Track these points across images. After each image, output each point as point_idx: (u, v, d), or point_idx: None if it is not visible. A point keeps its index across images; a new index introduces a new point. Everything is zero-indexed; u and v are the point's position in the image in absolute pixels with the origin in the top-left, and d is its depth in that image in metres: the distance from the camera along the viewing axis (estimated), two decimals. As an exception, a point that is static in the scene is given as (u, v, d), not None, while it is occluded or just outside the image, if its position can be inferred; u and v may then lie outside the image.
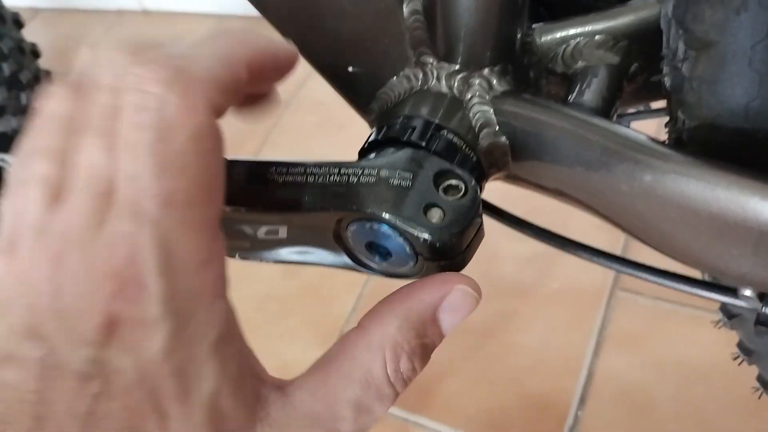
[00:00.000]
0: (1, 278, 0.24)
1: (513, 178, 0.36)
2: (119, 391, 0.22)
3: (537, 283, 0.83)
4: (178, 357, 0.23)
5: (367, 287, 0.89)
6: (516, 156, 0.34)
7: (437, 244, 0.30)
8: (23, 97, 0.68)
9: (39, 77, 0.71)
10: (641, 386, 0.74)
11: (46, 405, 0.22)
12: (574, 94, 0.35)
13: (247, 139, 1.09)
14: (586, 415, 0.73)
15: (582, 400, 0.74)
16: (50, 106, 0.25)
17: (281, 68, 0.28)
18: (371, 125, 0.37)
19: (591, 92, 0.35)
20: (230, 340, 0.24)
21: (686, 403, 0.72)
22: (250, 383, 0.25)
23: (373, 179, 0.32)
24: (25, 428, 0.22)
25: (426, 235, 0.30)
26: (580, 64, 0.36)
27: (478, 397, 0.77)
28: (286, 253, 0.36)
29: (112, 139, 0.23)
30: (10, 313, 0.23)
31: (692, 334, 0.77)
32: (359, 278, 0.90)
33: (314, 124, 1.07)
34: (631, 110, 0.42)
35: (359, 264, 0.34)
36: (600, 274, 0.83)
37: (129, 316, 0.22)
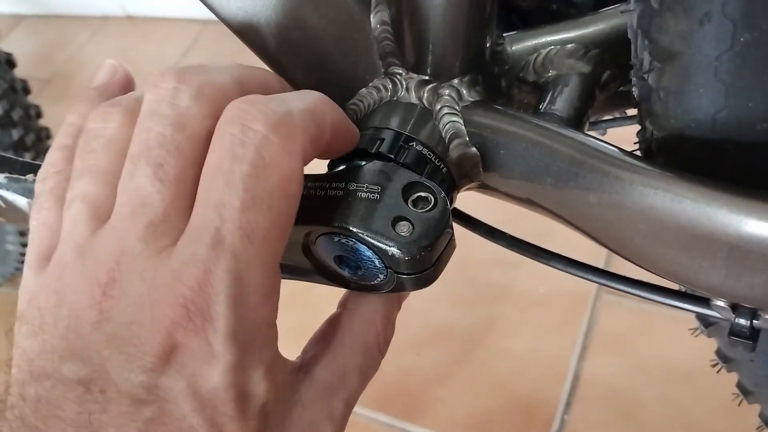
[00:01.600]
0: (36, 294, 0.24)
1: (485, 188, 0.35)
2: (174, 417, 0.22)
3: (523, 288, 0.83)
4: (238, 384, 0.23)
5: (353, 293, 0.88)
6: (487, 166, 0.34)
7: (407, 258, 0.30)
8: (-3, 107, 0.67)
9: (15, 87, 0.70)
10: (627, 389, 0.74)
11: (94, 427, 0.22)
12: (545, 102, 0.35)
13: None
14: (572, 418, 0.73)
15: (568, 404, 0.74)
16: (105, 127, 0.25)
17: (347, 141, 0.30)
18: (342, 136, 0.37)
19: (562, 101, 0.35)
20: (278, 356, 0.26)
21: (672, 404, 0.72)
22: (287, 380, 0.27)
23: (341, 192, 0.31)
24: None
25: (395, 250, 0.30)
26: (552, 72, 0.36)
27: (465, 402, 0.77)
28: None
29: (165, 170, 0.24)
30: (46, 331, 0.23)
31: (677, 337, 0.76)
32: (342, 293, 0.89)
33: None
34: (607, 117, 0.41)
35: (329, 277, 0.34)
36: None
37: (191, 345, 0.22)
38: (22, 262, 0.90)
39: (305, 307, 0.87)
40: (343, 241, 0.31)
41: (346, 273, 0.33)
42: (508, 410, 0.75)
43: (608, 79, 0.36)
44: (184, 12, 1.33)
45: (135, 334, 0.22)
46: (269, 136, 0.24)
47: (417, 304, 0.93)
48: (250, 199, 0.23)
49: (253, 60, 0.40)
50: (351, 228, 0.30)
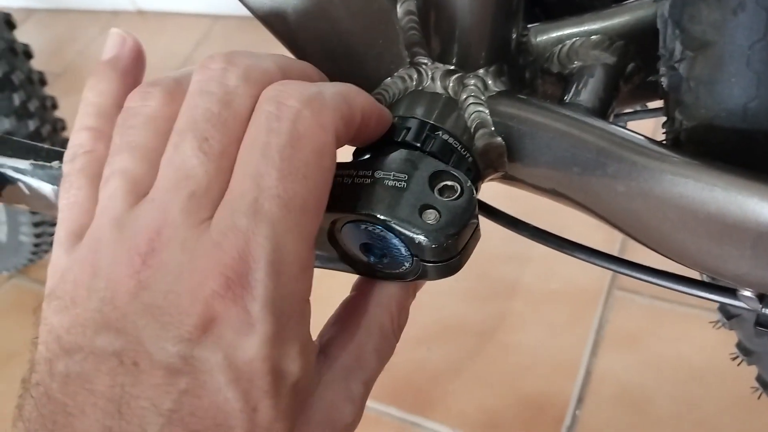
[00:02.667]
0: (68, 269, 0.24)
1: (509, 179, 0.35)
2: (209, 390, 0.22)
3: (535, 284, 0.83)
4: (274, 357, 0.23)
5: (364, 288, 0.88)
6: (512, 156, 0.34)
7: (433, 246, 0.30)
8: (15, 98, 0.67)
9: (32, 78, 0.70)
10: (639, 385, 0.74)
11: (125, 399, 0.22)
12: (570, 94, 0.35)
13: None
14: (584, 414, 0.73)
15: (580, 400, 0.74)
16: (145, 105, 0.26)
17: (380, 126, 0.31)
18: (366, 126, 0.37)
19: (587, 92, 0.35)
20: (310, 335, 0.26)
21: (684, 402, 0.72)
22: (314, 360, 0.27)
23: (368, 180, 0.31)
24: (98, 422, 0.21)
25: (422, 237, 0.30)
26: (576, 64, 0.36)
27: (477, 397, 0.77)
28: None
29: (210, 144, 0.24)
30: (78, 304, 0.23)
31: (690, 333, 0.77)
32: (353, 278, 0.89)
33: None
34: (629, 110, 0.41)
35: (354, 265, 0.34)
36: (597, 273, 0.83)
37: (229, 315, 0.22)
38: (35, 253, 0.90)
39: (314, 300, 0.87)
40: (370, 228, 0.31)
41: (372, 261, 0.33)
42: (519, 405, 0.75)
43: (633, 70, 0.36)
44: (195, 7, 1.34)
45: (173, 303, 0.22)
46: (303, 110, 0.25)
47: (428, 298, 0.92)
48: (286, 168, 0.24)
49: (280, 47, 0.39)
50: (378, 215, 0.30)
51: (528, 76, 0.37)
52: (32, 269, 0.99)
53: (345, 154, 0.35)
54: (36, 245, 0.87)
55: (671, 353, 0.76)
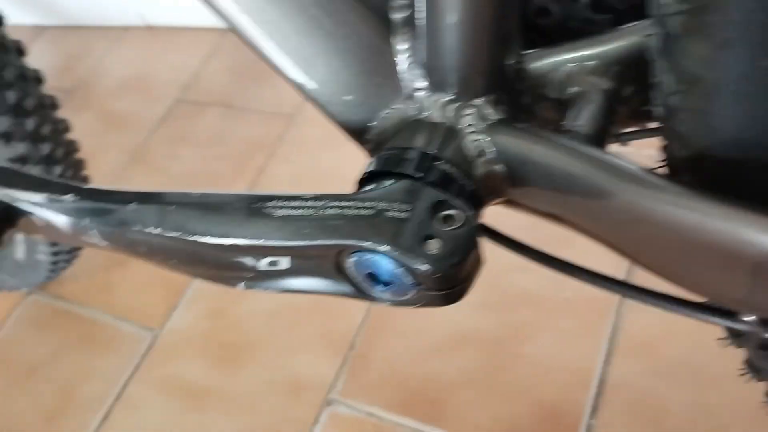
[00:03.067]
0: None
1: (512, 204, 0.36)
2: None
3: (547, 293, 0.83)
4: None
5: (377, 299, 0.89)
6: (513, 183, 0.34)
7: (437, 275, 0.31)
8: (29, 123, 0.69)
9: (43, 103, 0.72)
10: (654, 394, 0.74)
11: None
12: (568, 119, 0.35)
13: (254, 152, 1.09)
14: (599, 424, 0.73)
15: (594, 409, 0.74)
16: None
17: None
18: (369, 154, 0.37)
19: (584, 118, 0.35)
20: None
21: (700, 409, 0.72)
22: None
23: (371, 212, 0.32)
24: None
25: (425, 267, 0.30)
26: (573, 89, 0.36)
27: (490, 407, 0.77)
28: (290, 282, 0.36)
29: None
30: None
31: (705, 340, 0.76)
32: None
33: (321, 137, 1.07)
34: (630, 129, 0.42)
35: (361, 293, 0.35)
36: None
37: None
38: (53, 270, 0.92)
39: (329, 314, 0.88)
40: (375, 259, 0.32)
41: (379, 289, 0.33)
42: (533, 415, 0.75)
43: (629, 95, 0.37)
44: (204, 21, 1.35)
45: None
46: None
47: (440, 309, 0.92)
48: None
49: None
50: (382, 246, 0.31)
51: (526, 102, 0.37)
52: (51, 285, 1.01)
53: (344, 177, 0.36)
54: (53, 263, 0.89)
55: (686, 360, 0.75)
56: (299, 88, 0.38)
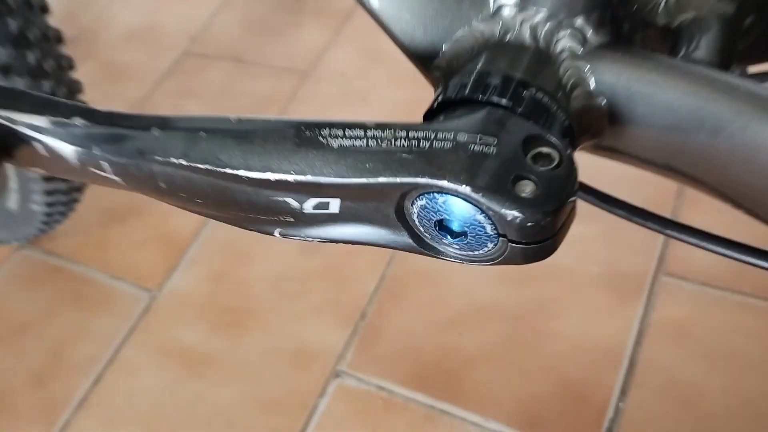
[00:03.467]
0: None
1: (603, 149, 0.30)
2: None
3: (575, 267, 0.78)
4: None
5: (391, 267, 0.84)
6: (615, 122, 0.29)
7: (528, 224, 0.25)
8: (30, 56, 0.62)
9: (48, 35, 0.65)
10: (688, 378, 0.70)
11: None
12: (683, 50, 0.30)
13: (264, 109, 1.04)
14: (628, 407, 0.69)
15: (623, 392, 0.70)
16: None
17: None
18: (435, 84, 0.32)
19: (704, 48, 0.30)
20: None
21: (736, 396, 0.68)
22: None
23: (449, 144, 0.27)
24: None
25: (515, 213, 0.25)
26: (687, 15, 0.31)
27: (511, 386, 0.73)
28: (336, 230, 0.31)
29: None
30: None
31: (745, 323, 0.72)
32: (382, 257, 0.85)
33: (335, 96, 1.02)
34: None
35: (424, 246, 0.29)
36: (642, 257, 0.78)
37: None
38: (47, 223, 0.86)
39: (340, 281, 0.84)
40: (450, 202, 0.26)
41: (447, 241, 0.28)
42: (558, 396, 0.71)
43: (751, 24, 0.31)
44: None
45: None
46: None
47: (459, 279, 0.88)
48: None
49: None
50: (462, 186, 0.26)
51: (626, 29, 0.31)
52: (43, 240, 0.95)
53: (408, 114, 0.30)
54: (48, 215, 0.83)
55: (724, 344, 0.71)
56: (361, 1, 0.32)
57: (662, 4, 0.31)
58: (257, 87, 1.07)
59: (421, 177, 0.26)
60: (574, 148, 0.30)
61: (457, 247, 0.28)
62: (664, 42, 0.31)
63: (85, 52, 1.19)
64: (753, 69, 0.36)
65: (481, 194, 0.25)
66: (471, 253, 0.28)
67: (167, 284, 0.88)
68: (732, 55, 0.30)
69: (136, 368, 0.81)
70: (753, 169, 0.25)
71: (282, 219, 0.31)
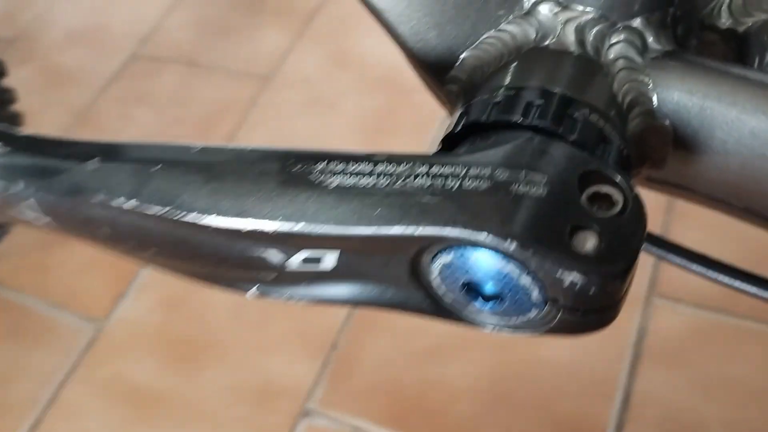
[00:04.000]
0: None
1: (664, 183, 0.25)
2: None
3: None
4: None
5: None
6: (681, 150, 0.23)
7: (592, 289, 0.20)
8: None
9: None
10: (687, 408, 0.66)
11: None
12: (756, 61, 0.24)
13: (221, 117, 0.97)
14: (625, 442, 0.64)
15: (619, 426, 0.65)
16: None
17: None
18: (450, 101, 0.26)
19: None
20: None
21: (738, 426, 0.64)
22: None
23: (484, 183, 0.21)
24: None
25: (576, 276, 0.19)
26: (759, 17, 0.25)
27: (498, 421, 0.67)
28: (329, 289, 0.25)
29: None
30: None
31: (743, 349, 0.68)
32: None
33: (298, 103, 0.95)
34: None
35: (442, 310, 0.23)
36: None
37: None
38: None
39: (307, 307, 0.78)
40: (483, 259, 0.20)
41: (476, 306, 0.22)
42: (547, 430, 0.66)
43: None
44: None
45: None
46: None
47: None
48: None
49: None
50: (507, 241, 0.20)
51: (680, 33, 0.26)
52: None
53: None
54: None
55: (723, 372, 0.67)
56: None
57: (725, 3, 0.25)
58: (213, 93, 1.01)
59: (451, 227, 0.20)
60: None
61: (493, 314, 0.22)
62: (724, 50, 0.26)
63: (23, 56, 1.11)
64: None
65: (531, 251, 0.20)
66: (507, 320, 0.22)
67: (114, 314, 0.81)
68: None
69: (79, 410, 0.74)
70: None
71: (260, 276, 0.24)
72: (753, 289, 0.29)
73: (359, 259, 0.23)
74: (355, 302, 0.25)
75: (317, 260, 0.23)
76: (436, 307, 0.23)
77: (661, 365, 0.68)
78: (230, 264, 0.24)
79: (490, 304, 0.22)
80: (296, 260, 0.23)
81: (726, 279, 0.28)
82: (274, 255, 0.23)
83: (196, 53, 1.07)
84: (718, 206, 0.24)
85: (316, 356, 0.74)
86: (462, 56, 0.25)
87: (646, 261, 0.75)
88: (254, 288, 0.25)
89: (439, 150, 0.24)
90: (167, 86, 1.04)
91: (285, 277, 0.24)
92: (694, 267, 0.29)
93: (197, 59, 1.06)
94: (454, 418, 0.68)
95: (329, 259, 0.23)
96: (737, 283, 0.28)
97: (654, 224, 0.77)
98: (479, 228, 0.20)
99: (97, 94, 1.04)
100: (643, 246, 0.21)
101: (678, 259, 0.28)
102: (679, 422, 0.65)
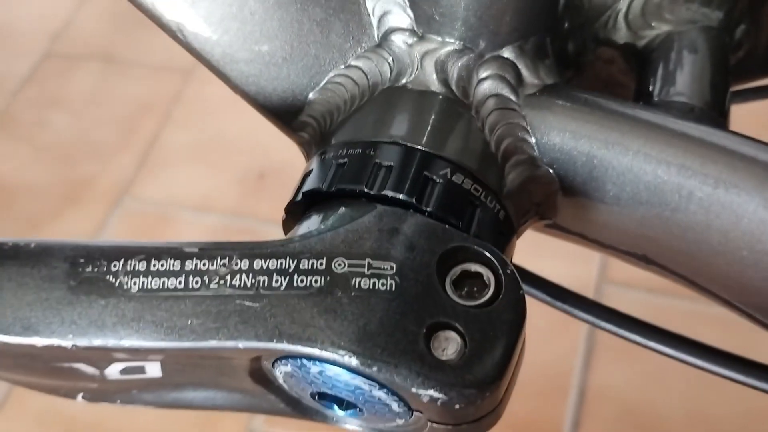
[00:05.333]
0: None
1: (558, 228, 0.21)
2: None
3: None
4: None
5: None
6: (570, 197, 0.19)
7: (457, 405, 0.16)
8: None
9: None
10: (644, 401, 0.63)
11: None
12: (658, 84, 0.20)
13: (142, 116, 0.91)
14: (582, 439, 0.62)
15: (576, 424, 0.63)
16: None
17: None
18: (306, 152, 0.21)
19: (688, 79, 0.20)
20: None
21: (698, 415, 0.62)
22: None
23: (318, 281, 0.17)
24: None
25: (433, 393, 0.16)
26: (660, 28, 0.21)
27: (450, 426, 0.64)
28: (168, 396, 0.21)
29: None
30: None
31: (695, 332, 0.65)
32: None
33: (224, 98, 0.89)
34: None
35: (305, 411, 0.20)
36: (582, 265, 0.70)
37: None
38: None
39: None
40: (325, 371, 0.17)
41: (335, 413, 0.18)
42: (503, 434, 0.63)
43: (742, 36, 0.22)
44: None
45: None
46: None
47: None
48: None
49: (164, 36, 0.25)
50: (345, 356, 0.16)
51: (571, 50, 0.22)
52: None
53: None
54: None
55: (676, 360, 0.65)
56: (175, 34, 0.21)
57: (622, 15, 0.21)
58: (133, 90, 0.95)
59: (276, 342, 0.16)
60: (514, 238, 0.20)
61: (352, 419, 0.19)
62: (628, 68, 0.22)
63: None
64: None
65: (375, 368, 0.16)
66: (374, 426, 0.19)
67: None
68: (727, 83, 0.21)
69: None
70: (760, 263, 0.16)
71: (79, 386, 0.20)
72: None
73: (186, 368, 0.19)
74: (206, 408, 0.21)
75: (140, 369, 0.19)
76: (298, 409, 0.20)
77: (616, 356, 0.66)
78: (41, 375, 0.20)
79: (349, 411, 0.18)
80: (113, 371, 0.19)
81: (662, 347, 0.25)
82: (85, 367, 0.19)
83: (112, 48, 1.01)
84: (621, 255, 0.20)
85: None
86: (309, 98, 0.20)
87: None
88: (79, 396, 0.21)
89: (284, 218, 0.20)
90: (84, 86, 0.98)
91: (109, 386, 0.20)
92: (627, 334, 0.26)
93: (114, 55, 1.00)
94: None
95: (153, 369, 0.19)
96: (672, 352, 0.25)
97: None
98: (310, 342, 0.16)
99: (10, 99, 0.97)
100: (523, 333, 0.18)
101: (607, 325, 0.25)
102: (639, 416, 0.63)
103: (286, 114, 0.21)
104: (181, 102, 0.92)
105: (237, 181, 0.83)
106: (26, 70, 1.00)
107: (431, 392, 0.16)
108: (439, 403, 0.16)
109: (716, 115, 0.19)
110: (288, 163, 0.20)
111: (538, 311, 0.71)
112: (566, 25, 0.21)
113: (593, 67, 0.22)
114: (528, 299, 0.18)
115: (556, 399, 0.64)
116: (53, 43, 1.03)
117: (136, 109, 0.93)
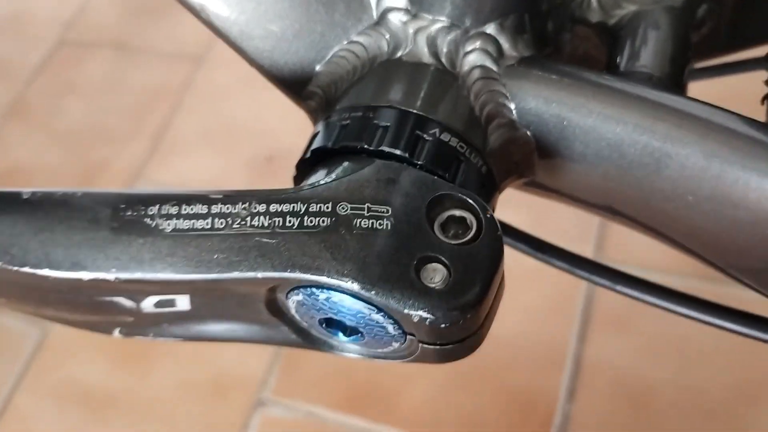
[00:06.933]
0: None
1: (535, 186, 0.24)
2: None
3: (509, 263, 0.73)
4: None
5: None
6: (545, 156, 0.22)
7: (443, 324, 0.19)
8: None
9: None
10: (637, 373, 0.65)
11: None
12: (625, 55, 0.23)
13: (154, 103, 0.94)
14: (577, 410, 0.64)
15: (570, 394, 0.65)
16: None
17: None
18: (313, 118, 0.24)
19: (650, 52, 0.23)
20: None
21: (689, 388, 0.64)
22: None
23: (325, 221, 0.20)
24: None
25: (422, 313, 0.19)
26: (628, 8, 0.24)
27: (451, 398, 0.67)
28: (193, 328, 0.24)
29: None
30: None
31: (687, 308, 0.68)
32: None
33: (234, 84, 0.92)
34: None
35: (312, 341, 0.23)
36: (579, 244, 0.73)
37: None
38: None
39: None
40: (332, 299, 0.20)
41: (339, 340, 0.21)
42: (501, 404, 0.66)
43: (705, 14, 0.24)
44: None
45: None
46: None
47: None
48: None
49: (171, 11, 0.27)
50: (348, 282, 0.19)
51: (550, 29, 0.24)
52: None
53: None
54: None
55: (668, 334, 0.67)
56: (198, 13, 0.24)
57: (596, -5, 0.24)
58: (145, 77, 0.97)
59: (290, 271, 0.19)
60: (496, 193, 0.23)
61: (355, 345, 0.22)
62: (600, 43, 0.24)
63: None
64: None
65: (373, 292, 0.18)
66: (373, 351, 0.22)
67: (60, 316, 0.79)
68: (686, 58, 0.23)
69: (31, 416, 0.72)
70: (704, 211, 0.19)
71: (118, 320, 0.23)
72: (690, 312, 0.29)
73: (212, 300, 0.21)
74: (226, 339, 0.24)
75: (171, 303, 0.22)
76: (307, 339, 0.23)
77: (610, 331, 0.68)
78: (84, 310, 0.23)
79: (352, 337, 0.21)
80: (148, 304, 0.22)
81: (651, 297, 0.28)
82: (123, 301, 0.22)
83: (124, 36, 1.03)
84: (589, 208, 0.23)
85: (268, 347, 0.73)
86: (315, 70, 0.23)
87: (590, 226, 0.75)
88: (116, 331, 0.24)
89: (295, 175, 0.23)
90: (96, 73, 1.00)
91: (144, 320, 0.23)
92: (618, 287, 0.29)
93: (126, 42, 1.02)
94: (407, 399, 0.68)
95: (182, 302, 0.22)
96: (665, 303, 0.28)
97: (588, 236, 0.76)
98: (318, 270, 0.19)
99: (24, 88, 1.00)
100: (502, 269, 0.20)
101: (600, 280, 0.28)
102: (631, 386, 0.65)
103: (296, 85, 0.23)
104: (192, 88, 0.95)
105: (246, 164, 0.86)
106: (40, 58, 1.03)
107: (421, 313, 0.18)
108: (427, 322, 0.18)
109: (672, 84, 0.22)
110: (295, 147, 0.22)
111: (536, 288, 0.74)
112: (545, 5, 0.23)
113: (571, 43, 0.25)
114: (508, 249, 0.20)
115: (553, 370, 0.66)
116: (66, 31, 1.05)
117: (148, 95, 0.95)
